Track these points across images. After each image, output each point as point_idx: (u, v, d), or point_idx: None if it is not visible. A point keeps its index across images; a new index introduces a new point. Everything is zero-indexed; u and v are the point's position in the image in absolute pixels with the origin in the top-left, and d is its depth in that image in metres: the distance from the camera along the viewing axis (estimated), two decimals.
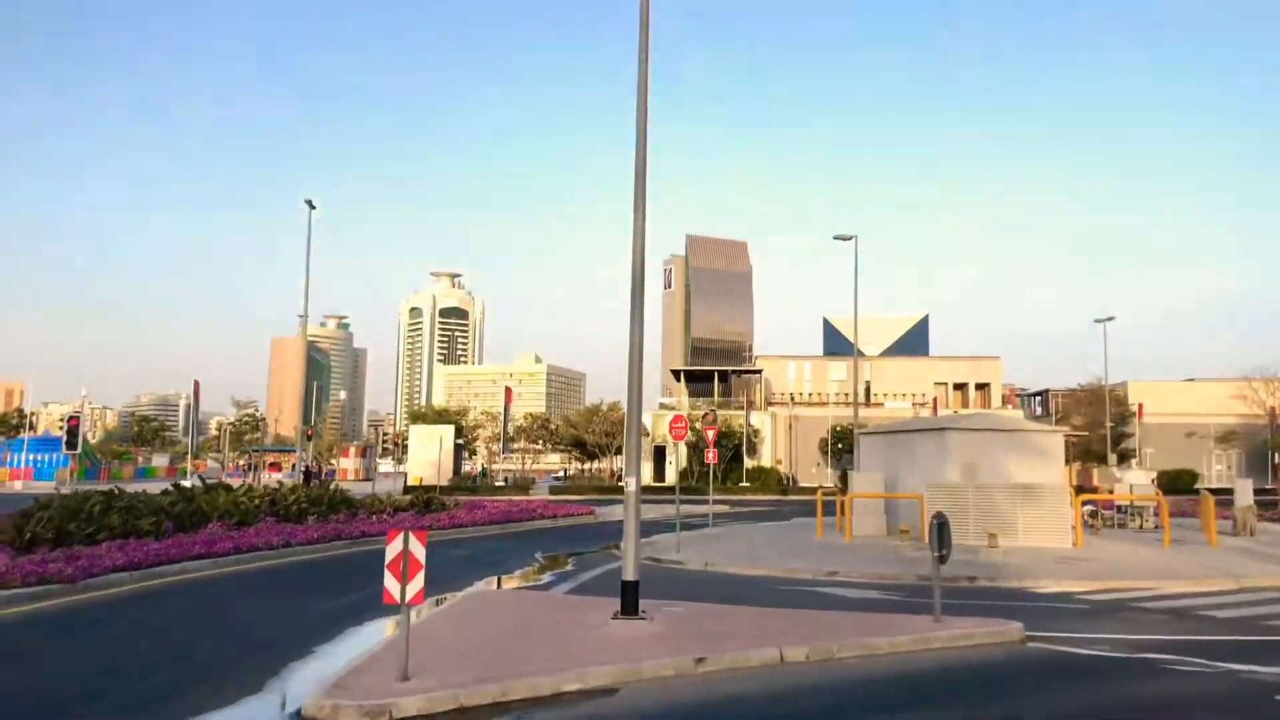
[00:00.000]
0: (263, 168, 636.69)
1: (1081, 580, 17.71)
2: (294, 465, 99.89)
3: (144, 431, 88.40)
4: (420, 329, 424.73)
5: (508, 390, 61.93)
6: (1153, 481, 30.63)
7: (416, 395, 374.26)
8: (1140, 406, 69.40)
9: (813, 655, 11.10)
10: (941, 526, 12.66)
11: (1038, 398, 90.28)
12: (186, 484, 30.55)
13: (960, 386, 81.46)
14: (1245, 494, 27.15)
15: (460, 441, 72.77)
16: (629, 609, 12.63)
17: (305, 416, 58.43)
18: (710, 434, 30.87)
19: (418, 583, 9.19)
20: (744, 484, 66.41)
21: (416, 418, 79.16)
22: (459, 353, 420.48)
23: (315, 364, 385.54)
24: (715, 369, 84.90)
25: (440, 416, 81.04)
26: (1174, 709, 8.97)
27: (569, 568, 21.71)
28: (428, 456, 66.65)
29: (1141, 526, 29.47)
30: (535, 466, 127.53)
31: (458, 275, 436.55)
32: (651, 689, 9.82)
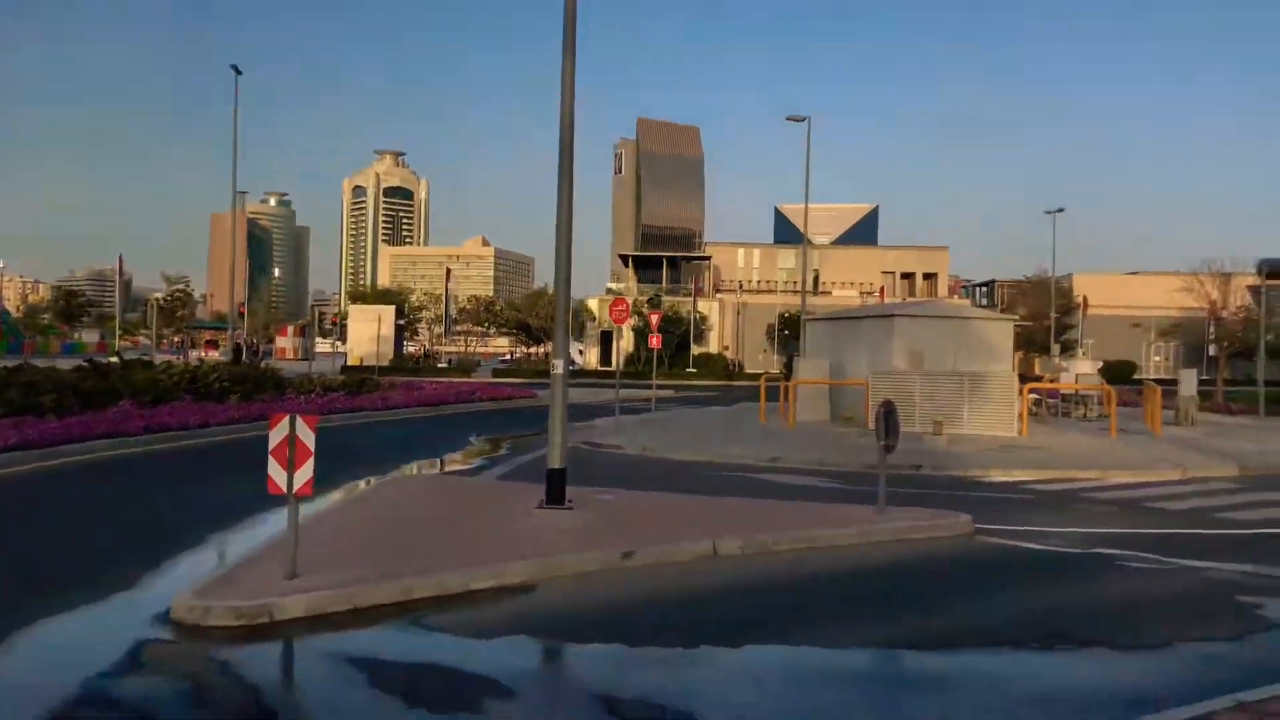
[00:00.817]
0: (203, 41, 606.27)
1: (1029, 470, 17.23)
2: (211, 342, 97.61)
3: (71, 306, 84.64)
4: (364, 208, 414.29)
5: (448, 270, 60.02)
6: (1098, 372, 30.42)
7: (361, 276, 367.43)
8: (1085, 299, 69.80)
9: (748, 548, 10.32)
10: (889, 414, 11.83)
11: (983, 288, 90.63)
12: (111, 359, 28.97)
13: (908, 276, 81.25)
14: (1189, 385, 27.01)
15: (402, 322, 71.03)
16: (555, 498, 11.72)
17: (246, 293, 56.10)
18: (654, 319, 29.86)
19: (306, 471, 8.08)
20: (690, 370, 65.97)
21: (356, 297, 76.88)
22: (404, 233, 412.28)
23: (256, 242, 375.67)
24: (664, 255, 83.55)
25: (382, 297, 78.80)
26: (1134, 607, 8.32)
27: (503, 451, 20.82)
28: (367, 337, 64.88)
29: (1086, 416, 29.35)
30: (482, 350, 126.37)
31: (401, 154, 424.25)
32: (572, 586, 8.96)
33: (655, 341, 30.16)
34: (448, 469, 18.08)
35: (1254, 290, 19.76)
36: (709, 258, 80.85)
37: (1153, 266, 78.14)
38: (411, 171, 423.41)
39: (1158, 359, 74.26)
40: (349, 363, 64.15)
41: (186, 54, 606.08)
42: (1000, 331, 24.88)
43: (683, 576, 9.35)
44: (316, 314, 79.97)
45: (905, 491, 14.77)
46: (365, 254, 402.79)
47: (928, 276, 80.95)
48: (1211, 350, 43.23)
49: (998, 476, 16.81)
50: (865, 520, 11.54)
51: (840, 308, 55.96)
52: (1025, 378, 54.22)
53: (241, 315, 56.29)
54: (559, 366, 11.99)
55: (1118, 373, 65.05)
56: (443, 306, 76.85)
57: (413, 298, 75.39)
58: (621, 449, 20.45)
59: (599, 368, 67.87)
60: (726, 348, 74.31)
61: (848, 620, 7.94)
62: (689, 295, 73.09)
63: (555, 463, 11.81)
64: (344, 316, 59.08)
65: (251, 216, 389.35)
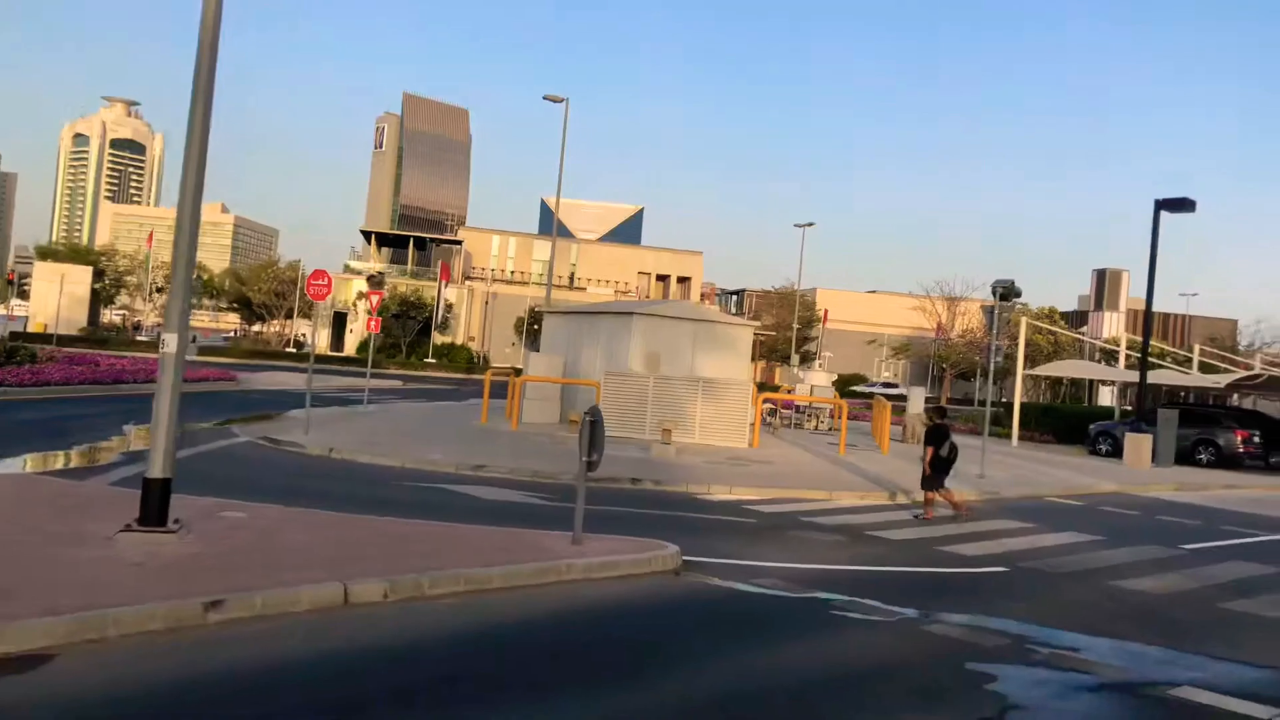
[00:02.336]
0: None
1: (754, 487, 15.87)
2: None
3: None
4: (86, 159, 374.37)
5: (151, 232, 53.32)
6: (833, 384, 30.44)
7: (77, 233, 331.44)
8: (826, 312, 72.53)
9: (394, 592, 7.88)
10: (594, 425, 9.79)
11: (735, 296, 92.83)
12: None
13: (663, 278, 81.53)
14: (916, 402, 27.24)
15: (98, 286, 62.81)
16: (152, 517, 8.79)
17: None
18: (374, 299, 26.70)
19: None
20: (430, 360, 62.51)
21: (45, 254, 66.92)
22: (133, 191, 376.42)
23: None
24: (412, 234, 79.28)
25: (78, 255, 69.35)
26: (847, 678, 6.61)
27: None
28: (53, 299, 56.79)
29: (817, 427, 29.12)
30: (211, 325, 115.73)
31: (135, 104, 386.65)
32: (117, 654, 6.21)
33: (373, 326, 27.07)
34: (59, 466, 14.40)
35: (987, 311, 19.50)
36: (460, 242, 77.41)
37: (892, 288, 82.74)
38: (146, 124, 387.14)
39: (888, 374, 78.60)
40: (30, 328, 56.03)
41: None
42: (741, 337, 23.87)
43: (287, 638, 6.79)
44: (15, 275, 69.35)
45: (617, 511, 12.91)
46: (84, 210, 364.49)
47: (682, 280, 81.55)
48: (929, 368, 45.11)
49: (721, 494, 15.32)
50: (556, 552, 9.41)
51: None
52: (767, 386, 55.21)
53: None
54: (171, 344, 9.02)
55: (849, 385, 68.11)
56: (148, 271, 68.46)
57: (117, 259, 66.63)
58: (303, 448, 17.43)
59: (329, 352, 63.04)
60: (473, 339, 71.32)
61: (498, 707, 5.70)
62: (436, 281, 69.49)
63: (156, 470, 8.86)
64: (21, 276, 50.91)
65: None
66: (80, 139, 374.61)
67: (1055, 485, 19.84)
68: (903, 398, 28.98)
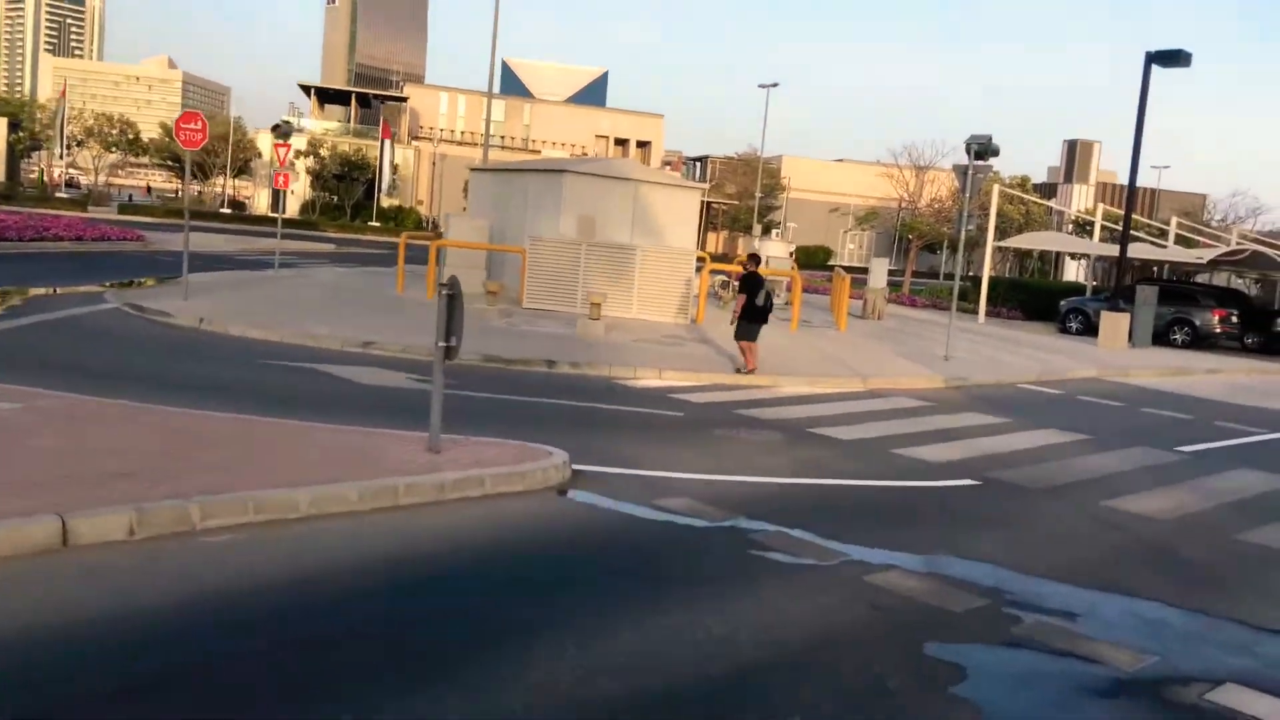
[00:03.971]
0: None
1: (688, 371, 13.73)
2: None
3: None
4: (22, 11, 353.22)
5: (64, 81, 48.93)
6: (791, 255, 28.15)
7: (18, 88, 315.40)
8: (788, 180, 69.60)
9: (144, 526, 5.69)
10: (451, 300, 7.47)
11: (698, 163, 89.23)
12: None
13: (622, 142, 77.64)
14: (879, 275, 25.07)
15: (16, 138, 58.27)
16: None
17: None
18: (282, 151, 23.69)
19: None
20: (375, 224, 59.22)
21: None
22: (73, 44, 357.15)
23: None
24: (355, 90, 74.44)
25: None
26: (752, 683, 4.55)
27: None
28: None
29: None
30: (138, 183, 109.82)
31: None
32: None
33: (281, 181, 24.21)
34: None
35: (960, 171, 17.15)
36: (406, 99, 72.77)
37: (860, 157, 79.60)
38: None
39: (852, 246, 76.34)
40: None
41: None
42: (687, 202, 21.34)
43: None
44: None
45: (516, 402, 10.77)
46: (22, 64, 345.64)
47: (642, 144, 77.73)
48: (893, 239, 42.78)
49: (648, 380, 13.18)
50: (402, 465, 7.23)
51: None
52: (725, 257, 52.69)
53: None
54: None
55: (814, 257, 65.77)
56: (115, 133, 63.50)
57: (33, 109, 61.65)
58: (170, 318, 15.00)
59: (270, 213, 59.45)
60: (421, 202, 67.78)
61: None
62: (383, 140, 65.35)
63: None
64: None
65: None
66: None
67: (1027, 370, 17.94)
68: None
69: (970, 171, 17.41)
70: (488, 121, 34.59)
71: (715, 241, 75.89)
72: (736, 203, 71.68)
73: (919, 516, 7.67)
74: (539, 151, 71.23)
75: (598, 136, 75.86)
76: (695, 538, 6.60)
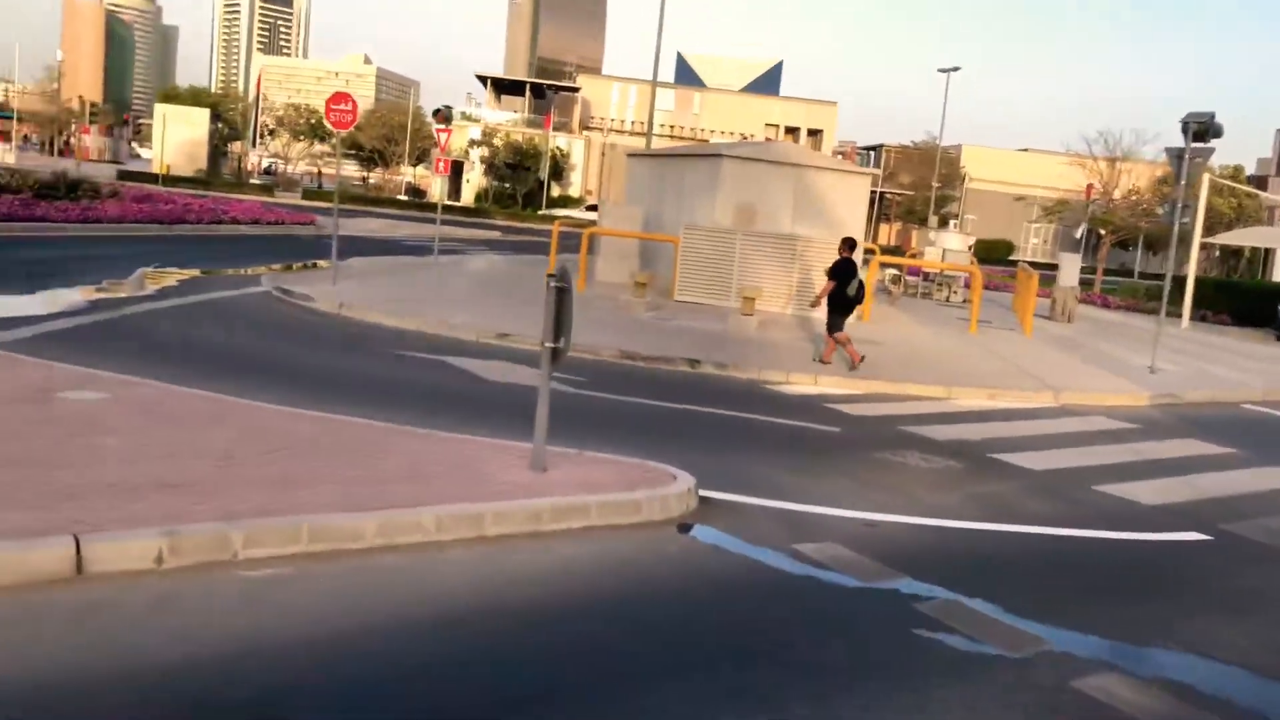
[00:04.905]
0: None
1: (848, 377, 12.17)
2: (25, 137, 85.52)
3: None
4: (238, 11, 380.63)
5: (259, 75, 51.27)
6: (969, 249, 25.85)
7: (234, 83, 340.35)
8: (967, 170, 65.70)
9: (175, 554, 4.81)
10: (561, 295, 6.35)
11: (871, 152, 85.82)
12: None
13: (793, 131, 75.38)
14: (1070, 272, 22.50)
15: (216, 127, 61.76)
16: None
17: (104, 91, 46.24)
18: (441, 137, 23.35)
19: None
20: (542, 212, 59.49)
21: (169, 97, 66.58)
22: (282, 43, 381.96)
23: (117, 38, 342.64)
24: (529, 80, 75.29)
25: (198, 99, 68.53)
26: None
27: (147, 290, 14.80)
28: (177, 144, 56.76)
29: (949, 299, 24.78)
30: (329, 171, 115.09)
31: None
32: None
33: (442, 167, 23.94)
34: None
35: (1174, 155, 14.78)
36: (578, 89, 72.98)
37: (1046, 147, 74.39)
38: None
39: (1036, 241, 71.45)
40: (156, 169, 55.61)
41: None
42: (853, 189, 19.58)
43: None
44: (132, 118, 69.32)
45: (648, 408, 9.60)
46: (238, 63, 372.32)
47: (813, 133, 75.23)
48: (1078, 233, 39.10)
49: (801, 386, 11.73)
50: (497, 485, 6.17)
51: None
52: (898, 250, 49.96)
53: None
54: None
55: (994, 251, 61.71)
56: (303, 122, 66.65)
57: (230, 102, 65.44)
58: (312, 303, 14.62)
59: (448, 201, 60.83)
60: (590, 192, 67.80)
61: None
62: (560, 130, 65.78)
63: None
64: (135, 116, 49.90)
65: (111, 9, 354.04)
66: None
67: (1248, 385, 15.38)
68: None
69: (1186, 155, 14.98)
70: (651, 109, 33.62)
71: (888, 234, 72.70)
72: (911, 193, 68.33)
73: (1138, 585, 6.00)
74: (707, 140, 70.02)
75: (768, 125, 73.91)
76: (844, 605, 5.22)
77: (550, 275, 6.44)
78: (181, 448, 6.27)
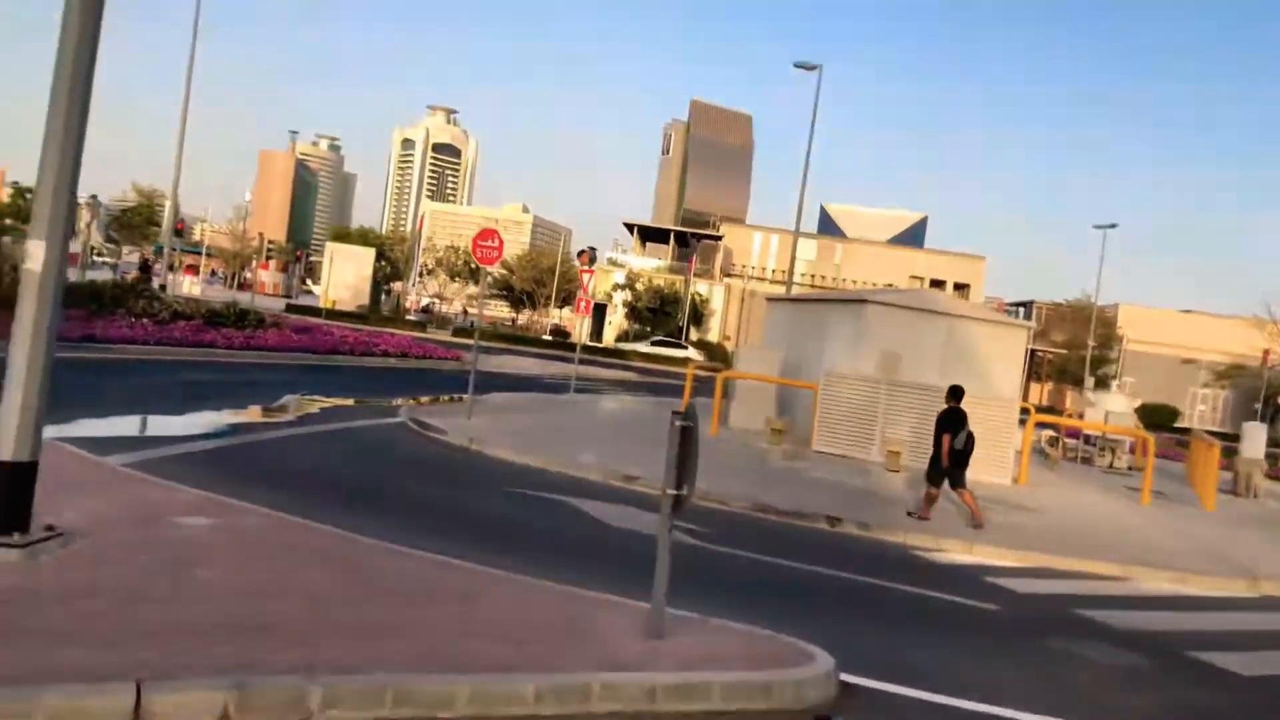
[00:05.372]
0: None
1: (1008, 548, 10.97)
2: (213, 271, 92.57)
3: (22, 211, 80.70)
4: (411, 162, 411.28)
5: (421, 217, 54.18)
6: (1134, 412, 24.00)
7: (402, 228, 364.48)
8: (1125, 330, 62.64)
9: (244, 710, 4.26)
10: (685, 435, 5.75)
11: (1021, 309, 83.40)
12: None
13: (938, 284, 74.10)
14: (1256, 443, 20.42)
15: (380, 266, 65.35)
16: (2, 521, 5.69)
17: (288, 230, 50.55)
18: (585, 278, 23.63)
19: None
20: (683, 355, 59.68)
21: (339, 237, 71.29)
22: (449, 191, 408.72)
23: (303, 183, 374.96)
24: (674, 229, 77.14)
25: (366, 239, 73.03)
26: None
27: (284, 417, 14.98)
28: (343, 280, 60.47)
29: (1113, 465, 22.90)
30: (493, 313, 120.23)
31: (454, 111, 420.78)
32: None
33: (583, 308, 24.12)
34: (118, 433, 12.14)
35: None
36: (721, 237, 74.18)
37: (1212, 308, 70.49)
38: (462, 130, 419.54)
39: (1203, 408, 66.85)
40: (321, 304, 59.03)
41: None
42: (1007, 341, 18.50)
43: None
44: (304, 254, 74.38)
45: (781, 567, 8.73)
46: (408, 207, 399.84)
47: (960, 287, 73.70)
48: (1257, 402, 36.07)
49: (956, 554, 10.60)
50: (608, 653, 5.46)
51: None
52: (1052, 409, 47.42)
53: (178, 232, 50.74)
54: (37, 255, 5.84)
55: (1155, 417, 57.91)
56: (460, 264, 70.14)
57: (392, 243, 69.40)
58: (444, 436, 14.46)
59: (590, 342, 61.96)
60: (728, 337, 67.91)
61: None
62: (701, 276, 66.68)
63: (6, 452, 5.76)
64: (308, 253, 53.33)
65: (301, 158, 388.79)
66: (408, 143, 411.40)
67: None
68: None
69: None
70: (793, 252, 33.41)
71: (1040, 393, 69.56)
72: (1065, 352, 65.48)
73: None
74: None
75: (912, 277, 72.96)
76: None
77: (676, 414, 5.84)
78: (275, 585, 5.83)
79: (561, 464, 12.97)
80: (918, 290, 41.98)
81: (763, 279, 70.83)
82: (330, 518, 7.83)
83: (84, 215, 34.81)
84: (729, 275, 71.26)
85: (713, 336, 67.66)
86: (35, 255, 5.79)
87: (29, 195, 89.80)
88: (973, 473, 16.33)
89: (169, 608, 5.18)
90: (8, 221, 79.20)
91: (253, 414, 15.00)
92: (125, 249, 70.90)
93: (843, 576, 8.77)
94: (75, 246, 42.57)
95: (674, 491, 5.75)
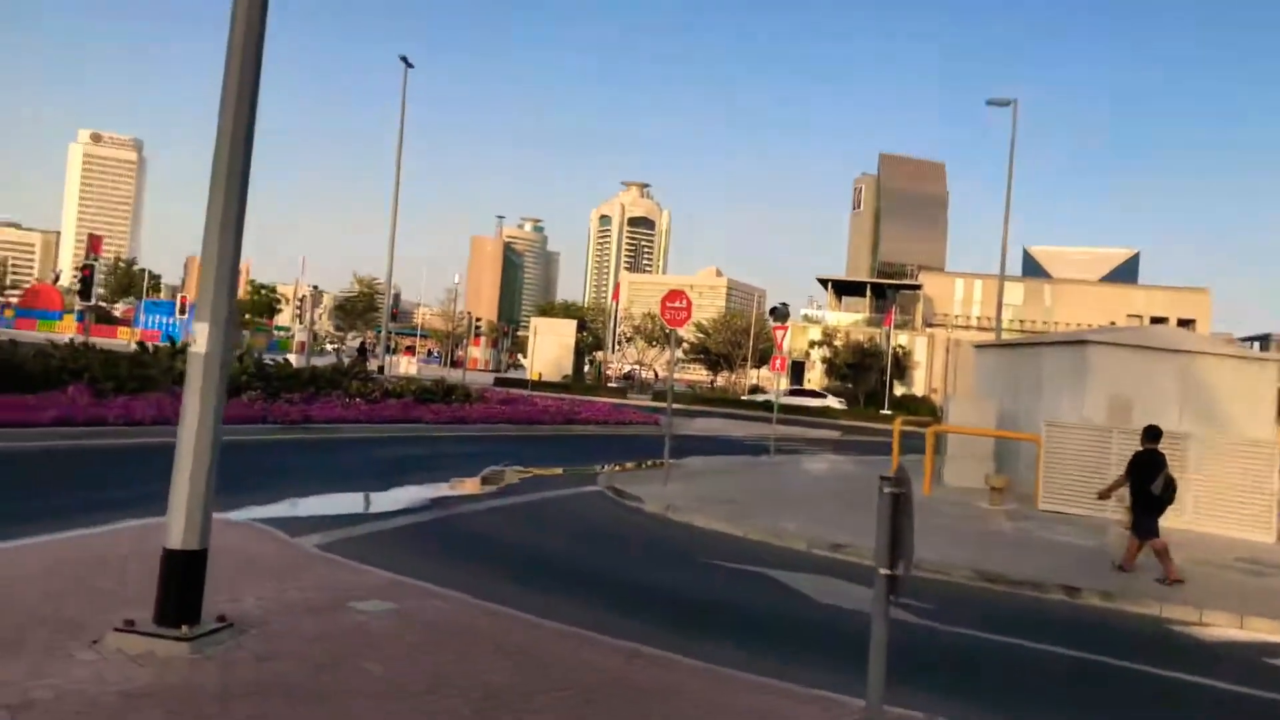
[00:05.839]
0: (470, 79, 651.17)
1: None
2: (429, 351, 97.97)
3: (258, 304, 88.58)
4: (609, 236, 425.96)
5: (616, 286, 55.19)
6: None
7: (603, 300, 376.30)
8: None
9: None
10: (897, 503, 4.99)
11: (1256, 343, 75.40)
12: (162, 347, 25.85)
13: (1159, 321, 68.33)
14: None
15: (582, 337, 67.13)
16: (168, 613, 5.64)
17: (498, 309, 53.59)
18: (779, 335, 22.97)
19: None
20: (887, 412, 57.47)
21: (544, 311, 73.92)
22: (645, 261, 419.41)
23: (510, 264, 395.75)
24: (870, 280, 75.12)
25: (569, 312, 75.31)
26: None
27: (486, 489, 15.09)
28: (548, 352, 62.79)
29: None
30: (682, 376, 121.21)
31: (646, 185, 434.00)
32: None
33: (779, 365, 23.40)
34: (272, 516, 12.40)
35: None
36: (920, 287, 71.52)
37: None
38: (655, 202, 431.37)
39: None
40: (529, 376, 61.17)
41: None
42: (1256, 379, 16.28)
43: None
44: (511, 329, 77.60)
45: (1013, 648, 7.68)
46: (608, 280, 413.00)
47: (1184, 323, 67.61)
48: None
49: (1223, 628, 9.07)
50: None
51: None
52: None
53: (394, 317, 53.79)
54: (201, 337, 5.85)
55: None
56: (657, 330, 71.57)
57: (591, 313, 71.21)
58: (641, 504, 14.09)
59: (787, 399, 60.86)
60: (935, 390, 64.93)
61: None
62: (901, 328, 64.46)
63: (175, 540, 5.72)
64: (514, 328, 55.42)
65: (508, 240, 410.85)
66: (604, 219, 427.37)
67: None
68: None
69: None
70: (1000, 298, 31.47)
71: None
72: None
73: None
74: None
75: (1130, 315, 67.63)
76: None
77: (884, 478, 5.10)
78: (444, 681, 5.45)
79: (762, 531, 12.26)
80: (1144, 327, 38.60)
81: (967, 327, 67.58)
82: (517, 597, 7.51)
83: (307, 305, 37.50)
84: (931, 325, 68.44)
85: (918, 389, 64.93)
86: (200, 338, 5.80)
87: (264, 290, 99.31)
88: (1225, 527, 14.36)
89: (325, 708, 4.89)
90: (247, 316, 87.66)
91: (453, 487, 15.16)
92: (350, 335, 76.49)
93: (1090, 659, 7.58)
94: (301, 334, 46.55)
95: (888, 571, 4.98)
